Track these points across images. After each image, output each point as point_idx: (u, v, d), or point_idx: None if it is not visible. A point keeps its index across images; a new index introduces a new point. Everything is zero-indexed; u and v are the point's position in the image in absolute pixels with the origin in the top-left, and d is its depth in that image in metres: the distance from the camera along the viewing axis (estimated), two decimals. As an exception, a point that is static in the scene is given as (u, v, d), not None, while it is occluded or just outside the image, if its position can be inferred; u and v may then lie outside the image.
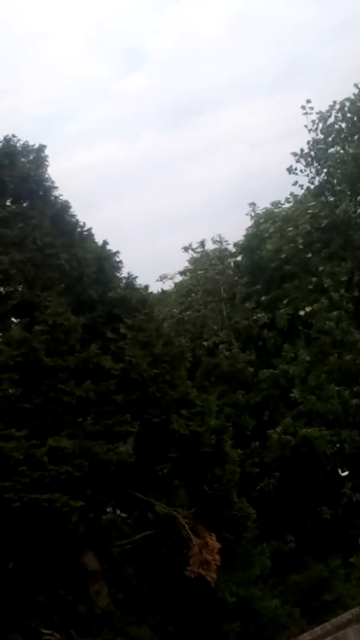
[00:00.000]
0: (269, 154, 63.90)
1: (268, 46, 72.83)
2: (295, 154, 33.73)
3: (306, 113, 33.64)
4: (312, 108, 33.56)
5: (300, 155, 33.80)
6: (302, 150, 33.70)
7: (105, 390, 18.97)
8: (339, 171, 32.87)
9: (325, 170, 33.75)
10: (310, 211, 32.10)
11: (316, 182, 34.10)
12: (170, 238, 63.36)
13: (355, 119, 33.51)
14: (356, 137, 33.42)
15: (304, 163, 33.85)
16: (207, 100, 73.03)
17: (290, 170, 33.94)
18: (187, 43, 74.14)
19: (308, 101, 33.63)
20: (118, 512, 21.66)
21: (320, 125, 33.77)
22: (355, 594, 22.65)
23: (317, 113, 33.58)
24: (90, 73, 75.31)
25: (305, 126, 33.76)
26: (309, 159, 33.84)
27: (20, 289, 19.68)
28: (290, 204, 34.53)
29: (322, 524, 27.10)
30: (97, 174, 69.36)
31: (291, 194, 34.55)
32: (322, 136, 33.75)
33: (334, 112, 33.71)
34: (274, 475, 27.38)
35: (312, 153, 33.62)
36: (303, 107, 33.62)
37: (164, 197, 66.91)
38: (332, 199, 32.22)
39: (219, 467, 20.43)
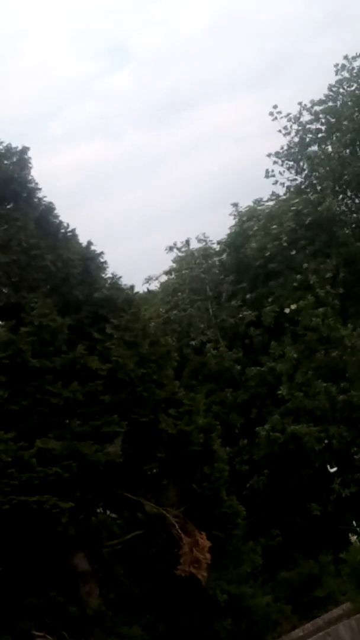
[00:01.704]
0: (254, 149, 64.01)
1: (252, 41, 73.02)
2: (269, 155, 34.04)
3: (275, 119, 33.99)
4: (279, 112, 33.98)
5: (277, 157, 34.07)
6: (277, 152, 34.01)
7: (92, 390, 18.94)
8: (321, 169, 33.02)
9: (306, 169, 33.96)
10: (293, 208, 32.16)
11: (297, 182, 34.34)
12: (156, 236, 63.44)
13: (329, 118, 33.79)
14: (335, 135, 33.67)
15: (281, 164, 34.16)
16: (192, 96, 73.28)
17: (267, 174, 34.24)
18: (171, 40, 74.32)
19: (275, 107, 34.06)
20: (108, 512, 21.61)
21: (295, 127, 34.08)
22: (346, 590, 22.68)
23: (285, 117, 33.91)
24: (73, 71, 75.36)
25: (279, 131, 34.09)
26: (287, 162, 34.11)
27: (5, 291, 19.62)
28: (273, 202, 34.62)
29: (312, 520, 27.18)
30: (82, 173, 69.39)
31: (273, 193, 34.75)
32: (297, 139, 34.03)
33: (305, 113, 34.05)
34: (263, 472, 27.43)
35: (291, 153, 33.88)
36: (271, 114, 33.97)
37: (150, 195, 67.01)
38: (314, 196, 32.31)
39: (208, 465, 20.43)
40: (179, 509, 19.87)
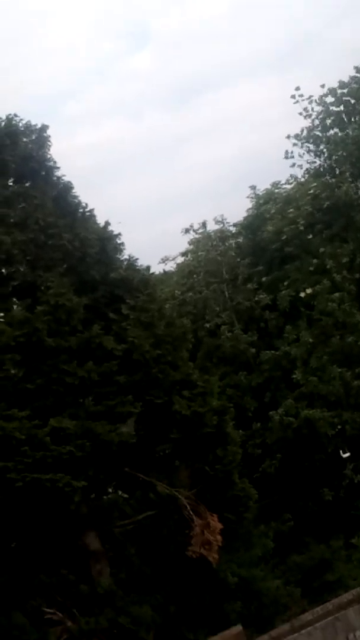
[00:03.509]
0: (274, 133, 63.61)
1: (274, 24, 72.32)
2: (289, 137, 33.84)
3: (297, 101, 33.76)
4: (301, 96, 33.73)
5: (297, 139, 33.87)
6: (297, 135, 33.80)
7: (107, 371, 18.96)
8: (339, 153, 32.82)
9: (325, 152, 33.77)
10: (311, 192, 32.04)
11: (316, 165, 34.16)
12: (173, 219, 63.16)
13: (353, 101, 33.53)
14: (356, 118, 33.44)
15: (300, 146, 33.97)
16: (212, 79, 72.81)
17: (287, 154, 34.06)
18: (192, 22, 73.68)
19: (297, 88, 33.79)
20: (120, 492, 21.68)
21: (316, 109, 33.86)
22: (357, 575, 22.76)
23: (307, 99, 33.67)
24: (94, 52, 74.89)
25: (300, 113, 33.88)
26: (307, 144, 33.91)
27: (22, 270, 19.64)
28: (291, 185, 34.49)
29: (324, 505, 27.20)
30: (101, 154, 69.07)
31: (291, 175, 34.59)
32: (317, 121, 33.82)
33: (329, 96, 33.76)
34: (276, 456, 27.46)
35: (310, 135, 33.66)
36: (293, 96, 33.76)
37: (168, 177, 66.73)
38: (333, 180, 32.15)
39: (221, 447, 20.45)
40: (191, 490, 19.92)
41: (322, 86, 33.79)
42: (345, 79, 33.74)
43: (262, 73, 71.26)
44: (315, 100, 33.78)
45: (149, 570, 19.82)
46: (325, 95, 33.78)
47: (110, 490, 21.45)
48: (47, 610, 18.03)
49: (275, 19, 71.50)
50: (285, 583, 22.23)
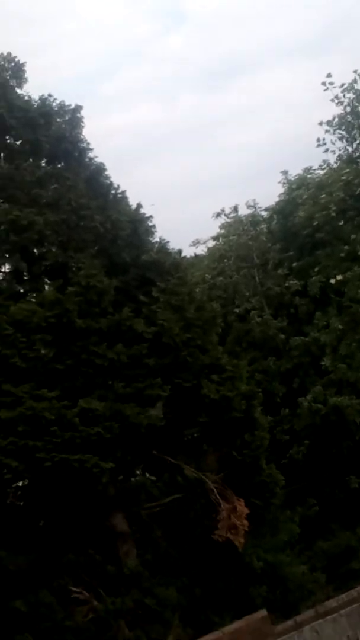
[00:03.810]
0: (308, 117, 63.27)
1: (312, 6, 71.78)
2: (320, 123, 33.61)
3: (327, 89, 33.51)
4: (332, 83, 33.45)
5: (329, 126, 33.64)
6: (329, 121, 33.56)
7: (137, 353, 18.96)
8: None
9: (358, 139, 33.52)
10: (343, 178, 31.79)
11: (349, 151, 33.92)
12: (204, 202, 63.04)
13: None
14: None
15: (332, 133, 33.72)
16: (247, 62, 72.36)
17: (319, 142, 33.84)
18: (227, 3, 73.26)
19: (329, 75, 33.50)
20: (147, 475, 21.73)
21: (348, 96, 33.57)
22: (383, 563, 22.72)
23: (340, 86, 33.39)
24: (128, 33, 74.77)
25: (332, 100, 33.60)
26: (339, 131, 33.67)
27: (54, 250, 19.62)
28: (324, 171, 34.28)
29: (350, 492, 27.11)
30: (133, 135, 69.04)
31: (323, 161, 34.37)
32: (349, 107, 33.55)
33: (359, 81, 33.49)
34: (304, 442, 27.41)
35: (343, 122, 33.42)
36: (324, 83, 33.49)
37: (200, 161, 66.53)
38: (366, 166, 31.94)
39: (249, 432, 20.43)
40: (219, 475, 19.90)
41: (355, 71, 33.56)
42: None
43: (299, 56, 70.86)
44: (347, 87, 33.55)
45: (175, 553, 19.88)
46: (355, 81, 33.54)
47: (137, 472, 21.50)
48: (73, 589, 18.13)
49: (311, 1, 71.02)
50: (310, 569, 22.23)
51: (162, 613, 18.24)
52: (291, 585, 20.81)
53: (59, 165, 20.65)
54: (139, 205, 21.19)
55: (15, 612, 17.47)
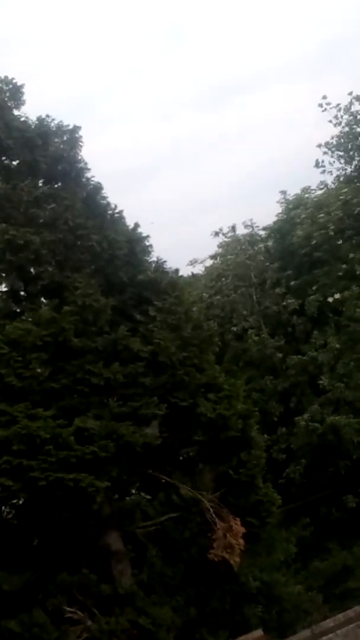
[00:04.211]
0: (307, 137, 63.61)
1: (311, 27, 72.28)
2: (319, 145, 33.81)
3: (324, 110, 33.72)
4: (329, 104, 33.69)
5: (327, 148, 33.84)
6: (327, 142, 33.77)
7: (133, 372, 18.95)
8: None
9: (356, 159, 33.70)
10: (342, 197, 31.92)
11: (347, 172, 34.09)
12: (201, 221, 63.26)
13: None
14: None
15: (331, 155, 33.94)
16: (246, 82, 72.82)
17: (317, 164, 34.01)
18: (226, 23, 73.72)
19: (324, 97, 33.75)
20: (142, 494, 21.66)
21: (345, 117, 33.79)
22: (379, 583, 22.63)
23: (335, 107, 33.61)
24: (128, 52, 75.22)
25: (330, 121, 33.82)
26: (337, 152, 33.86)
27: (50, 270, 19.63)
28: (322, 191, 34.42)
29: (347, 512, 27.06)
30: (131, 154, 69.35)
31: (321, 182, 34.56)
32: (347, 128, 33.74)
33: (355, 103, 33.71)
34: (300, 462, 27.38)
35: (341, 143, 33.62)
36: (320, 105, 33.73)
37: (198, 180, 66.80)
38: (364, 185, 32.06)
39: (245, 451, 20.38)
40: (215, 494, 19.85)
41: (350, 94, 33.78)
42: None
43: (297, 77, 71.23)
44: (343, 108, 33.78)
45: (171, 572, 19.79)
46: (351, 103, 33.79)
47: (133, 491, 21.43)
48: (67, 609, 18.05)
49: (311, 22, 71.46)
50: (307, 589, 22.14)
51: (156, 633, 18.12)
52: (287, 605, 20.72)
53: (57, 185, 20.70)
54: (136, 225, 21.22)
55: (9, 633, 17.36)
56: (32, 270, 19.82)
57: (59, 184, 20.81)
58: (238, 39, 73.55)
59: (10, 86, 20.58)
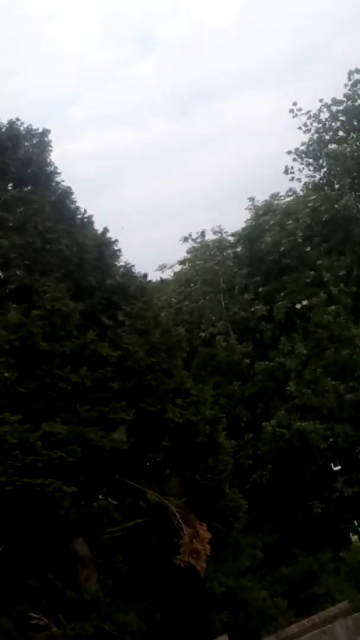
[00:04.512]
0: (275, 144, 63.83)
1: (279, 36, 72.80)
2: (289, 152, 33.93)
3: (295, 115, 33.86)
4: (300, 109, 33.84)
5: (297, 155, 33.97)
6: (296, 149, 33.89)
7: (101, 377, 18.92)
8: (338, 168, 32.93)
9: (324, 167, 33.87)
10: (310, 204, 32.03)
11: (316, 179, 34.24)
12: (171, 226, 63.32)
13: (347, 118, 33.64)
14: (353, 135, 33.59)
15: (300, 162, 34.06)
16: (216, 88, 73.05)
17: (287, 170, 34.14)
18: (198, 30, 74.01)
19: (294, 104, 33.92)
20: (109, 499, 21.60)
21: (314, 125, 33.95)
22: (344, 588, 22.68)
23: (305, 114, 33.77)
24: (98, 57, 75.26)
25: (300, 128, 33.97)
26: (306, 159, 34.00)
27: (19, 274, 19.58)
28: (291, 198, 34.52)
29: (313, 517, 27.14)
30: (101, 160, 69.24)
31: (290, 189, 34.64)
32: (316, 135, 33.92)
33: (325, 110, 33.88)
34: (267, 467, 27.41)
35: (310, 150, 33.77)
36: (292, 111, 33.87)
37: (167, 185, 66.90)
38: (332, 193, 32.19)
39: (212, 457, 20.40)
40: (181, 499, 19.86)
41: (320, 101, 33.96)
42: (341, 95, 33.88)
43: (266, 84, 71.61)
44: (312, 116, 33.93)
45: (137, 578, 19.76)
46: (321, 111, 33.97)
47: (100, 496, 21.34)
48: (33, 615, 17.94)
49: (280, 31, 71.86)
50: (272, 594, 22.16)
51: (122, 639, 18.06)
52: (252, 611, 20.72)
53: (26, 189, 20.62)
54: (105, 230, 21.26)
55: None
56: (0, 274, 19.69)
57: (29, 187, 20.75)
58: (209, 45, 73.80)
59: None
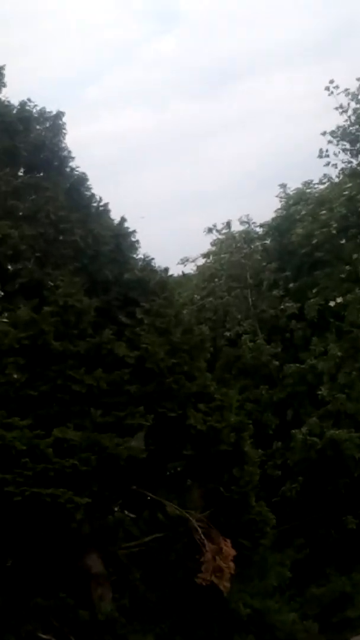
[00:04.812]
0: (309, 127, 63.57)
1: (314, 9, 72.39)
2: (324, 133, 33.81)
3: (331, 94, 33.71)
4: (337, 87, 33.64)
5: (333, 136, 33.85)
6: (332, 132, 33.76)
7: (117, 379, 19.04)
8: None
9: (362, 151, 33.79)
10: (346, 193, 31.97)
11: (353, 164, 34.13)
12: (194, 216, 63.25)
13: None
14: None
15: (336, 144, 33.92)
16: (244, 67, 72.91)
17: (321, 154, 34.03)
18: (224, 3, 73.76)
19: (331, 81, 33.72)
20: (126, 511, 21.73)
21: (352, 105, 33.82)
22: (380, 612, 22.73)
23: (343, 92, 33.60)
24: (116, 33, 75.20)
25: (336, 108, 33.83)
26: (342, 142, 33.87)
27: (29, 267, 19.69)
28: (325, 185, 34.48)
29: (347, 533, 27.11)
30: (120, 143, 69.32)
31: (324, 175, 34.57)
32: (354, 117, 33.77)
33: None
34: (297, 479, 27.43)
35: (347, 133, 33.65)
36: (327, 89, 33.73)
37: (190, 172, 66.83)
38: (371, 180, 32.16)
39: (238, 467, 20.51)
40: (204, 512, 19.98)
41: (359, 79, 33.82)
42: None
43: (299, 62, 71.39)
44: (351, 95, 33.77)
45: (154, 597, 19.89)
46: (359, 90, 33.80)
47: (115, 509, 21.48)
48: (42, 636, 18.11)
49: (315, 3, 71.56)
50: (302, 617, 22.24)
51: (138, 663, 18.22)
52: (280, 635, 20.81)
53: (38, 175, 20.77)
54: (123, 219, 21.34)
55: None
56: (9, 267, 19.86)
57: (41, 173, 20.89)
58: (236, 21, 73.70)
59: (-11, 68, 20.63)
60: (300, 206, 32.89)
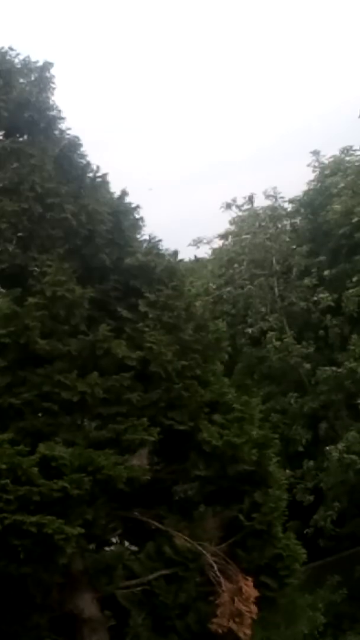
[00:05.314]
0: (351, 86, 63.59)
1: None
2: None
3: None
4: None
5: None
6: None
7: (116, 385, 18.99)
8: None
9: None
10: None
11: None
12: (210, 190, 63.15)
13: None
14: None
15: None
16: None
17: None
18: None
19: None
20: (126, 544, 21.72)
21: None
22: None
23: None
24: None
25: None
26: None
27: (10, 250, 19.60)
28: (367, 152, 34.50)
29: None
30: (119, 96, 68.92)
31: (367, 140, 34.56)
32: None
33: None
34: (332, 505, 27.43)
35: None
36: None
37: (206, 136, 66.76)
38: None
39: (260, 491, 20.49)
40: (220, 545, 19.97)
41: None
42: None
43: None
44: None
45: (161, 646, 19.85)
46: None
47: (114, 540, 21.48)
48: None
49: None
50: (337, 671, 22.25)
51: None
52: None
53: (21, 139, 20.64)
54: (124, 193, 21.22)
55: None
56: (-14, 249, 19.82)
57: (24, 137, 20.76)
58: None
59: None
60: (337, 177, 32.89)
